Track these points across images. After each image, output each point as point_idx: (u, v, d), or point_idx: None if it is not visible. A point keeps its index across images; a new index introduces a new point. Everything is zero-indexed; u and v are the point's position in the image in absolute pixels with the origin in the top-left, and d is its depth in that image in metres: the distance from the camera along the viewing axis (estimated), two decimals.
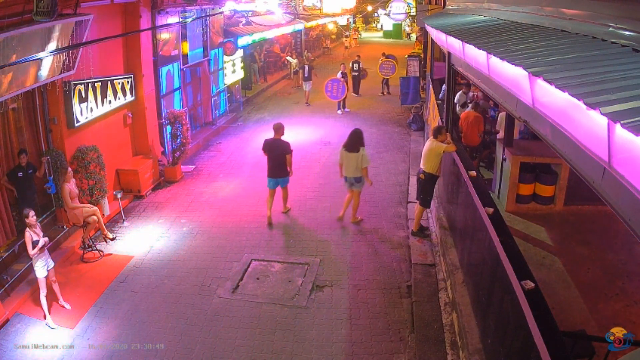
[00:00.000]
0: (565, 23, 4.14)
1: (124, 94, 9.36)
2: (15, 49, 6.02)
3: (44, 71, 6.82)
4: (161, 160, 10.80)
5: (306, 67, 17.97)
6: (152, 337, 5.76)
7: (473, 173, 6.21)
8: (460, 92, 10.53)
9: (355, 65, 18.66)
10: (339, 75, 16.31)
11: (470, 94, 10.82)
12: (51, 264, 6.12)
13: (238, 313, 6.18)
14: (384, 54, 19.81)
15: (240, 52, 15.81)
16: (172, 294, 6.59)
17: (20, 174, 6.98)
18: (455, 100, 10.19)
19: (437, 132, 7.44)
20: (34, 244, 5.84)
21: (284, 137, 8.52)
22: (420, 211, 7.85)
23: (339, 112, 16.21)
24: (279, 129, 8.44)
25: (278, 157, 8.27)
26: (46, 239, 6.03)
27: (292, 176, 8.62)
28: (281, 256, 7.48)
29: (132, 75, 9.62)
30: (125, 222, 8.67)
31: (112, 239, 7.95)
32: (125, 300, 6.49)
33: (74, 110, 7.85)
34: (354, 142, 7.93)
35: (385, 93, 19.36)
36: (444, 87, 9.69)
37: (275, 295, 6.51)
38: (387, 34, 46.27)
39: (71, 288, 6.73)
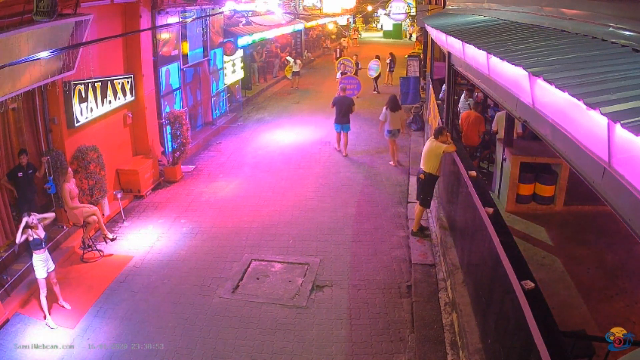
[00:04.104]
0: (565, 23, 4.14)
1: (124, 94, 9.36)
2: (15, 48, 6.02)
3: (44, 71, 6.82)
4: (161, 160, 10.81)
5: (338, 50, 24.45)
6: (152, 337, 5.76)
7: (473, 173, 6.22)
8: (464, 96, 10.46)
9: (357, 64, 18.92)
10: (338, 75, 16.29)
11: (475, 94, 10.76)
12: (52, 266, 6.11)
13: (238, 313, 6.18)
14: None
15: (240, 52, 15.81)
16: (172, 294, 6.59)
17: (20, 174, 6.97)
18: (460, 106, 10.18)
19: (438, 133, 7.43)
20: (36, 243, 5.84)
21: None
22: (420, 211, 7.85)
23: None
24: (344, 89, 12.27)
25: (344, 108, 11.65)
26: (53, 214, 6.46)
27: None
28: (281, 256, 7.48)
29: (132, 75, 9.62)
30: (125, 222, 8.67)
31: (112, 240, 7.95)
32: (125, 300, 6.49)
33: (74, 110, 7.85)
34: (395, 105, 11.11)
35: (376, 92, 19.56)
36: (444, 87, 9.68)
37: (275, 295, 6.51)
38: (387, 34, 46.31)
39: (71, 288, 6.73)
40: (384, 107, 11.15)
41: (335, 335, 5.76)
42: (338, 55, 23.36)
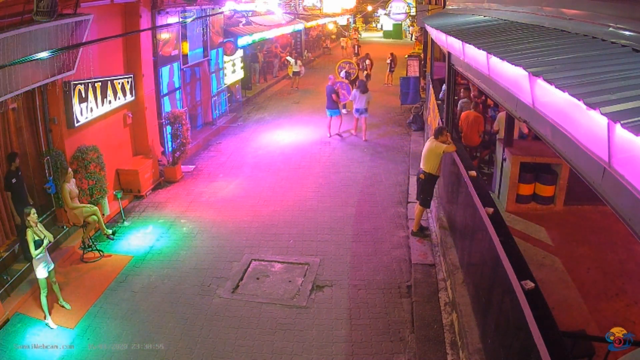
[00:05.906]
0: (565, 23, 4.14)
1: (124, 94, 9.36)
2: (15, 48, 6.02)
3: (44, 71, 6.82)
4: (161, 160, 10.80)
5: (356, 46, 25.76)
6: (152, 337, 5.76)
7: (473, 173, 6.22)
8: (464, 99, 10.44)
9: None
10: (342, 74, 16.20)
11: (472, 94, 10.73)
12: (51, 265, 6.11)
13: (238, 313, 6.18)
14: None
15: (240, 52, 15.80)
16: (172, 294, 6.59)
17: (14, 180, 6.88)
18: (459, 108, 10.17)
19: (438, 133, 7.43)
20: (37, 243, 5.84)
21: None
22: (420, 211, 7.85)
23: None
24: (331, 79, 13.98)
25: (328, 94, 13.33)
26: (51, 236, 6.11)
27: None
28: (281, 256, 7.48)
29: (132, 75, 9.61)
30: (125, 222, 8.67)
31: (113, 233, 7.93)
32: (125, 300, 6.49)
33: (74, 110, 7.84)
34: (364, 88, 13.13)
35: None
36: (444, 87, 9.68)
37: (275, 295, 6.51)
38: (387, 34, 46.27)
39: (71, 288, 6.73)
40: (355, 89, 13.42)
41: (335, 335, 5.76)
42: (356, 52, 23.35)
